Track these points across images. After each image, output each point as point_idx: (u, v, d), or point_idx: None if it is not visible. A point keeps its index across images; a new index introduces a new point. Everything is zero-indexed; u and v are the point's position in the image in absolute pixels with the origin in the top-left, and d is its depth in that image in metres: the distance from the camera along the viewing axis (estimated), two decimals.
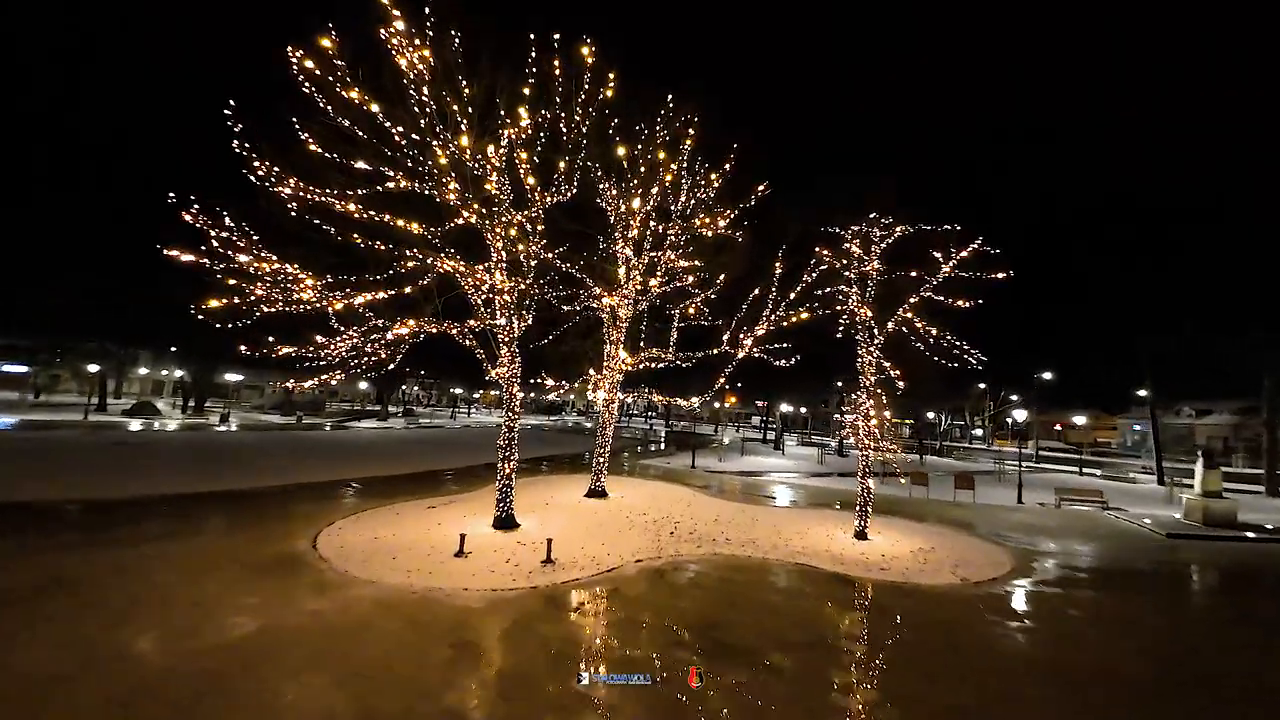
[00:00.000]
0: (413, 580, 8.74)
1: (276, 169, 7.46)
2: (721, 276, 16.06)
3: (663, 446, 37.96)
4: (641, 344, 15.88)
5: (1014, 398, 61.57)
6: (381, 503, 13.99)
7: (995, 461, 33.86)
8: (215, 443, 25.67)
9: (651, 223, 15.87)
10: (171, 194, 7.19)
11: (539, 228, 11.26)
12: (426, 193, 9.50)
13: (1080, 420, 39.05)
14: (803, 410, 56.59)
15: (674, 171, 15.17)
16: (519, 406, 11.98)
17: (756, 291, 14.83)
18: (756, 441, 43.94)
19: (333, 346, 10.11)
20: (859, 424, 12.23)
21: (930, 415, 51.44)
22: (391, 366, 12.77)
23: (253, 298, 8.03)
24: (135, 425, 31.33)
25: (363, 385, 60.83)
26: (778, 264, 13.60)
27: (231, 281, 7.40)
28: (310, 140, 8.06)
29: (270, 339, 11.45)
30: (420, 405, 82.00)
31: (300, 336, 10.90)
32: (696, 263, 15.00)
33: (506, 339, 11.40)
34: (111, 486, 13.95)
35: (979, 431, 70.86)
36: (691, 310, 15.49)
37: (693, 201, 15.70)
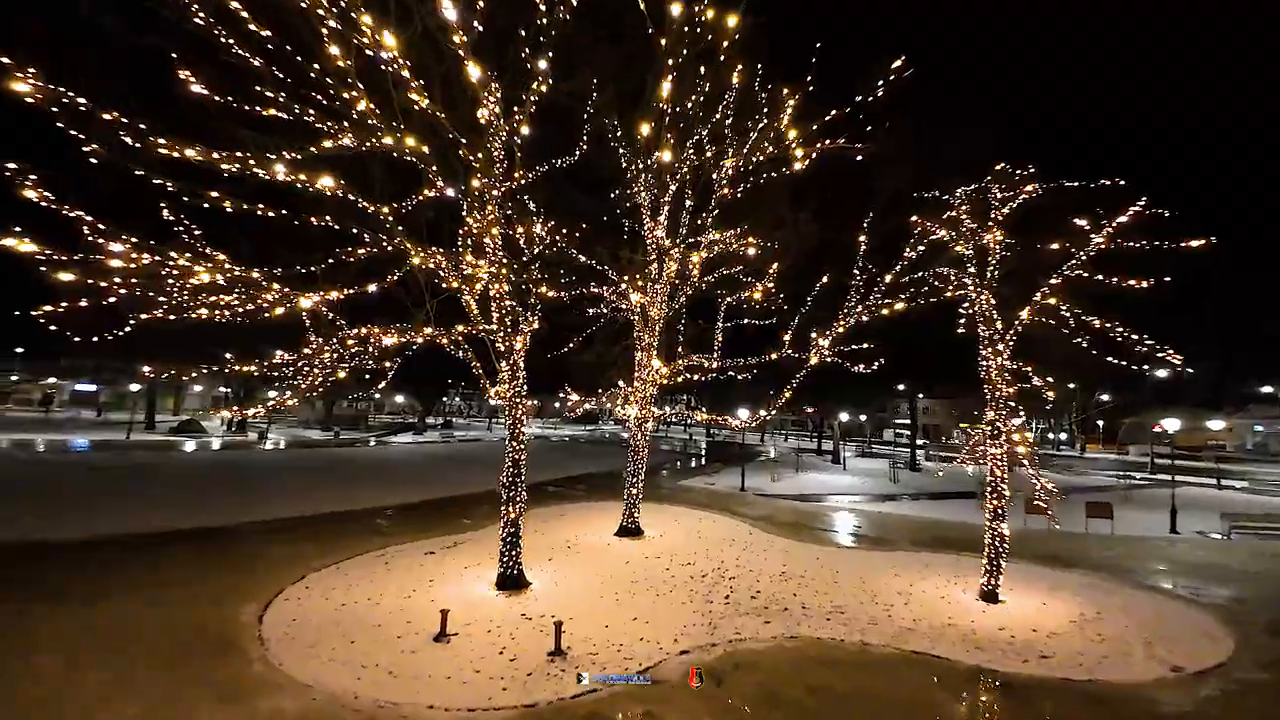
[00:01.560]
0: (363, 684, 6.23)
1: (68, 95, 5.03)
2: (774, 266, 12.98)
3: (703, 461, 34.71)
4: (680, 350, 12.89)
5: (1104, 397, 54.54)
6: (376, 544, 11.72)
7: (1121, 476, 28.51)
8: (237, 464, 24.67)
9: (687, 198, 12.98)
10: (11, 164, 5.02)
11: (511, 169, 8.18)
12: (338, 130, 6.70)
13: (1218, 425, 32.84)
14: (862, 418, 51.66)
15: (727, 37, 10.12)
16: (524, 433, 9.35)
17: (824, 279, 11.67)
18: (810, 453, 39.92)
19: (287, 359, 7.83)
20: (990, 448, 8.87)
21: (1017, 420, 45.41)
22: (384, 384, 10.68)
23: (113, 299, 5.75)
24: (171, 445, 31.14)
25: (399, 399, 60.76)
26: (861, 238, 10.18)
27: (67, 277, 5.14)
28: (191, 79, 5.72)
29: (228, 355, 9.51)
30: (461, 417, 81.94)
31: (257, 352, 8.81)
32: (752, 239, 11.52)
33: (504, 348, 8.80)
34: (77, 523, 12.29)
35: (1064, 435, 63.45)
36: (758, 295, 12.02)
37: (752, 135, 11.18)
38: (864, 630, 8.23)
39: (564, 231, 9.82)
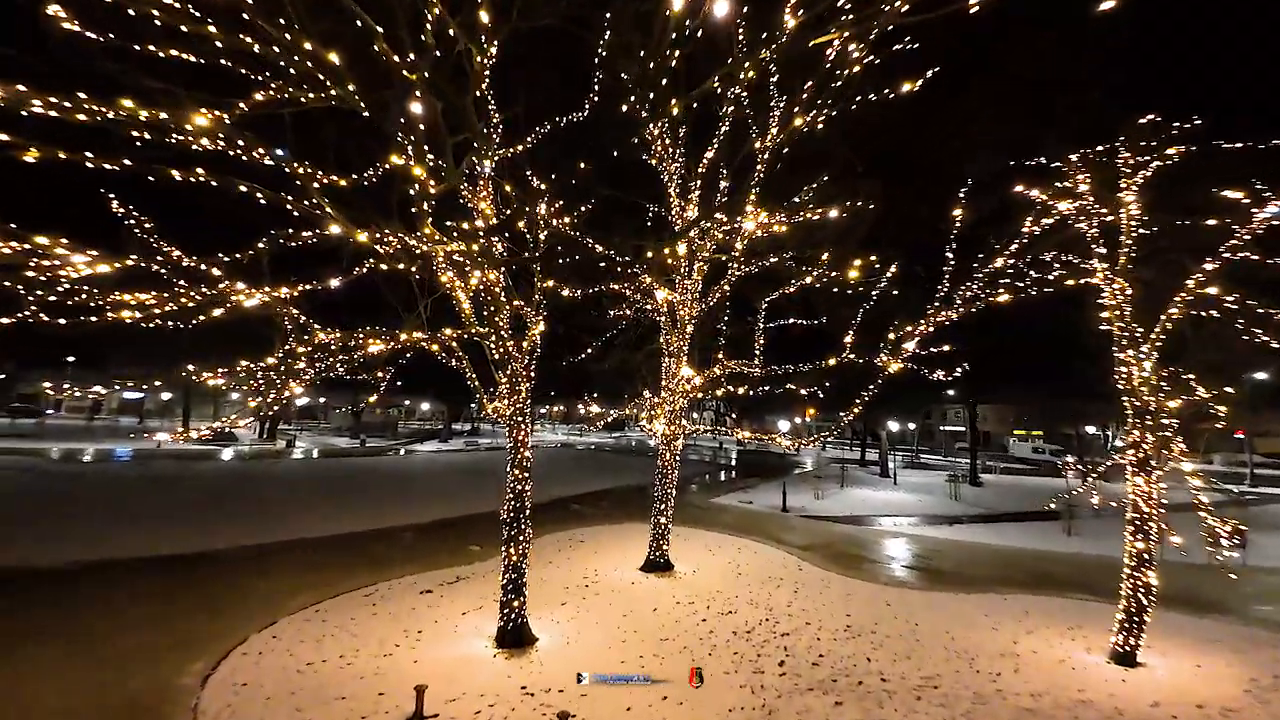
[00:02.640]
0: None
1: None
2: (825, 255, 11.04)
3: (734, 474, 32.44)
4: (720, 355, 10.98)
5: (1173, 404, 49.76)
6: (368, 579, 10.29)
7: (1236, 492, 25.01)
8: (253, 476, 23.99)
9: (722, 177, 11.18)
10: None
11: (473, 85, 6.06)
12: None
13: None
14: (910, 425, 48.33)
15: None
16: (528, 457, 7.73)
17: (893, 269, 9.67)
18: (853, 464, 37.15)
19: (248, 368, 6.45)
20: (1136, 479, 6.76)
21: (1091, 429, 42.02)
22: (375, 396, 9.52)
23: None
24: (195, 454, 31.02)
25: (425, 405, 60.67)
26: (956, 211, 7.98)
27: None
28: (61, 15, 4.26)
29: (196, 367, 8.29)
30: (489, 423, 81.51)
31: (230, 357, 7.49)
32: (824, 209, 9.21)
33: (500, 355, 7.19)
34: (48, 548, 11.23)
35: (1119, 443, 58.45)
36: (854, 273, 9.39)
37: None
38: (970, 715, 6.24)
39: (561, 180, 7.64)
